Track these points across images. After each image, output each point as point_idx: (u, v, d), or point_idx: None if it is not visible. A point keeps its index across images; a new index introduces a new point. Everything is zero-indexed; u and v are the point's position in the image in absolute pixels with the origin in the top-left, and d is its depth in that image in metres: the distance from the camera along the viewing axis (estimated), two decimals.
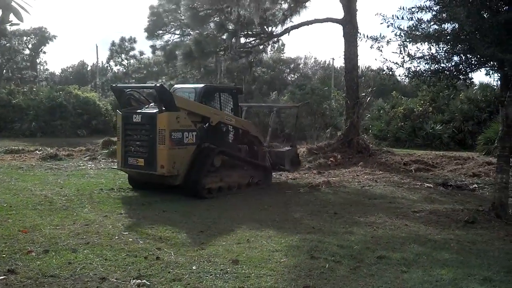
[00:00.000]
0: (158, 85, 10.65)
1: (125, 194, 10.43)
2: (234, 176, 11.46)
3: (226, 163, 11.32)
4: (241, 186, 11.59)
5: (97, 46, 76.21)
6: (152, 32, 35.44)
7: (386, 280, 5.14)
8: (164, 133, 10.02)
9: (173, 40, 35.87)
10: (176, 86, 13.39)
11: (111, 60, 57.10)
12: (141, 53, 53.99)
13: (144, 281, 5.01)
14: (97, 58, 78.91)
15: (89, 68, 74.16)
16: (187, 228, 7.36)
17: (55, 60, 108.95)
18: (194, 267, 5.46)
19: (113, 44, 54.82)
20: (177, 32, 36.79)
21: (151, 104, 11.09)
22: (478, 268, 5.60)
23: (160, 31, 36.43)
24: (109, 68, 61.42)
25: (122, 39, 54.39)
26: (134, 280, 5.03)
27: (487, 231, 7.53)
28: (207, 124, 11.08)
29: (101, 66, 61.68)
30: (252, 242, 6.60)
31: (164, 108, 10.21)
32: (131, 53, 54.72)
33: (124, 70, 55.08)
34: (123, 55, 55.23)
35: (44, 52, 58.82)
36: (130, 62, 55.07)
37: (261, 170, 12.40)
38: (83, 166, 15.64)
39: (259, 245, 6.42)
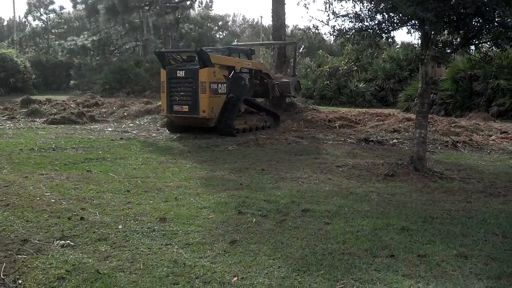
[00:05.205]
0: (198, 49, 13.45)
1: (46, 154, 10.04)
2: (254, 120, 14.59)
3: (248, 110, 14.73)
4: (258, 128, 14.52)
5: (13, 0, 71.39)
6: None
7: (310, 232, 5.31)
8: (205, 84, 12.74)
9: None
10: (204, 48, 15.23)
11: (29, 15, 54.11)
12: (61, 7, 51.67)
13: (68, 241, 4.88)
14: (14, 12, 74.51)
15: (5, 23, 69.93)
16: (113, 188, 7.21)
17: None
18: (120, 226, 5.38)
19: None
20: None
21: (187, 63, 13.67)
22: (397, 219, 5.87)
23: None
24: (27, 23, 58.19)
25: None
26: (57, 241, 4.89)
27: (406, 183, 7.88)
28: (232, 74, 13.90)
29: (18, 21, 58.31)
30: (180, 200, 6.59)
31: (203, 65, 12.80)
32: (51, 7, 52.00)
33: (43, 25, 52.32)
34: (42, 9, 52.34)
35: None
36: (49, 16, 52.33)
37: (272, 116, 15.45)
38: (1, 125, 14.93)
39: (187, 203, 6.42)
